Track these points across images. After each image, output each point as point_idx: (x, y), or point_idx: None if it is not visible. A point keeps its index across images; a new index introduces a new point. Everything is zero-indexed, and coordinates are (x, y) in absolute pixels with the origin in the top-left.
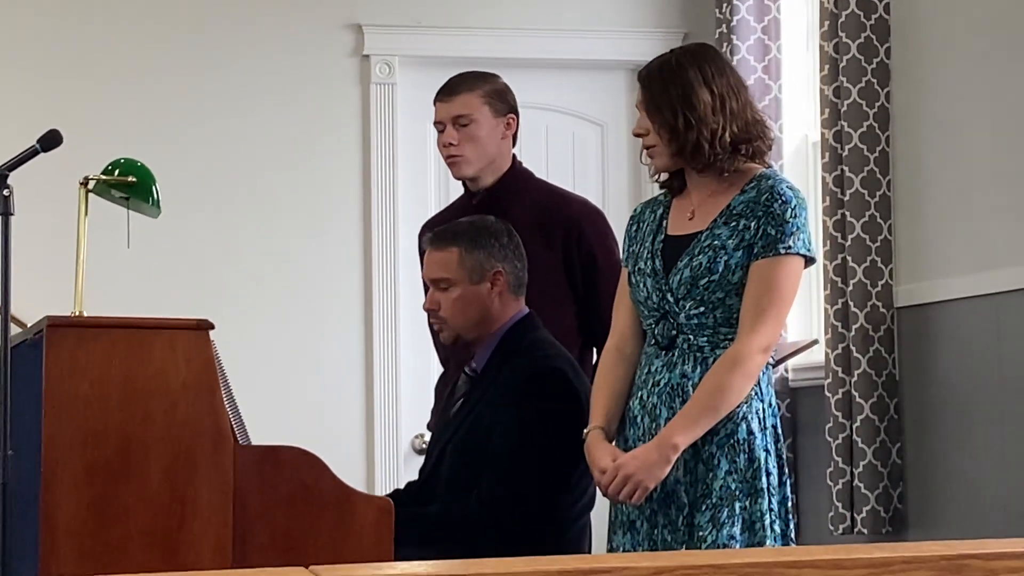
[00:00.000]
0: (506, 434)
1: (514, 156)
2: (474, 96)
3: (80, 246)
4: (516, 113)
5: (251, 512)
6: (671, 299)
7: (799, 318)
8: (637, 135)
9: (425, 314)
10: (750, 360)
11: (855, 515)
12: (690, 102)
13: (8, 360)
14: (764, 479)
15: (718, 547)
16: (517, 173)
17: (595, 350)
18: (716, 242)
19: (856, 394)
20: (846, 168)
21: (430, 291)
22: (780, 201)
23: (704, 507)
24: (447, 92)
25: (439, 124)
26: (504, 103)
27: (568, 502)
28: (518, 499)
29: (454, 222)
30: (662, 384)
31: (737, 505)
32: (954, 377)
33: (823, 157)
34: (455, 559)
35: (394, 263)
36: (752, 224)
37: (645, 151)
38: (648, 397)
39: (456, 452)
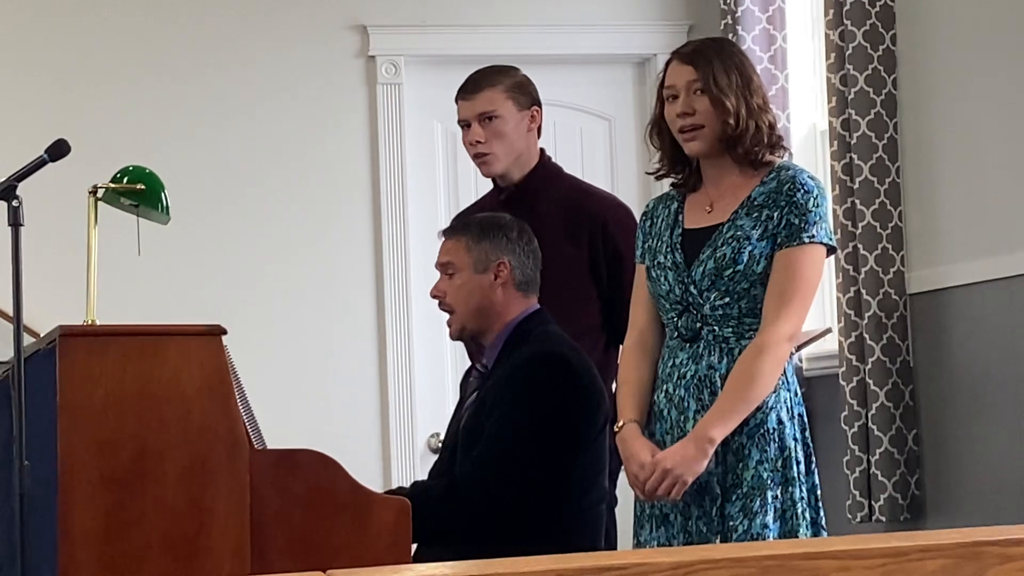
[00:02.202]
0: (497, 418)
1: (543, 151)
2: (497, 91)
3: (91, 255)
4: (539, 105)
5: (268, 516)
6: (694, 291)
7: (812, 307)
8: (684, 114)
9: (438, 314)
10: (776, 349)
11: (873, 503)
12: (750, 88)
13: (22, 370)
14: (795, 468)
15: (751, 537)
16: (545, 168)
17: (620, 348)
18: (739, 233)
19: (871, 382)
20: (855, 156)
21: (438, 278)
22: (803, 191)
23: (735, 497)
24: (470, 89)
25: (463, 122)
26: (527, 96)
27: (576, 488)
28: (492, 481)
29: (470, 216)
30: (688, 376)
31: (769, 494)
32: (969, 362)
33: (831, 146)
34: (465, 551)
35: (405, 263)
36: (775, 214)
37: (677, 134)
38: (674, 390)
39: (465, 447)
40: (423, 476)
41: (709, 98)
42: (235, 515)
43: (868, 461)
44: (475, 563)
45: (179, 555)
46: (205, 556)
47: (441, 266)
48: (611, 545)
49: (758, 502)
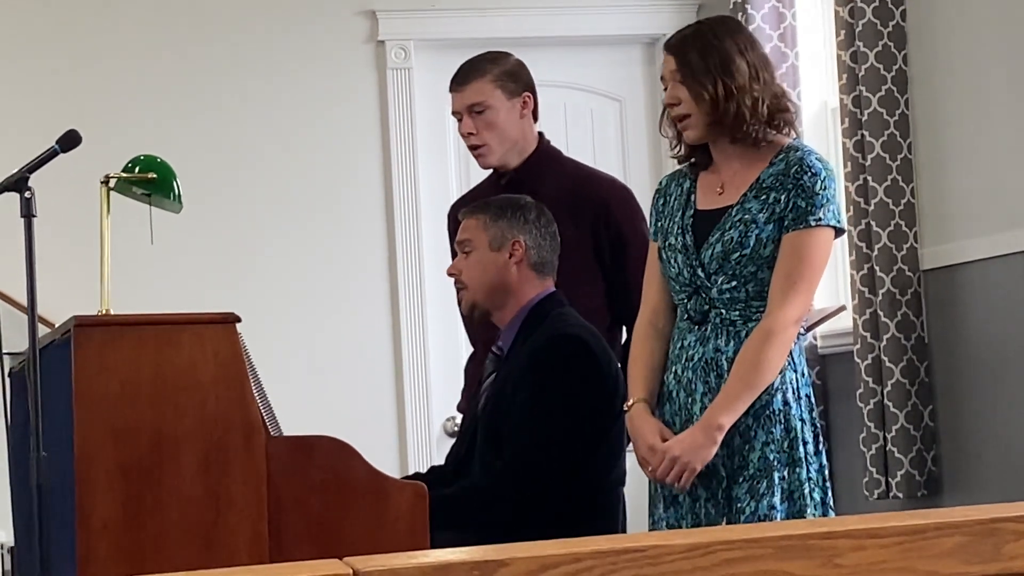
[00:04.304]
0: (524, 403)
1: (541, 135)
2: (485, 82)
3: (104, 244)
4: (531, 90)
5: (285, 503)
6: (702, 274)
7: (825, 285)
8: (669, 105)
9: (452, 298)
10: (783, 333)
11: (890, 480)
12: (730, 71)
13: (37, 361)
14: (801, 448)
15: (758, 518)
16: (545, 152)
17: (624, 329)
18: (747, 216)
19: (886, 359)
20: (866, 133)
21: (456, 256)
22: (810, 173)
23: (741, 479)
24: (458, 81)
25: (456, 114)
26: (516, 82)
27: (598, 470)
28: (534, 467)
29: (468, 201)
30: (696, 359)
31: (776, 475)
32: (983, 337)
33: (843, 123)
34: (484, 535)
35: (418, 247)
36: (782, 197)
37: (675, 122)
38: (683, 372)
39: (484, 429)
40: (439, 460)
41: (686, 86)
42: (252, 502)
43: (884, 438)
44: (493, 548)
45: (197, 543)
46: (223, 544)
47: (459, 244)
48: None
49: (765, 484)
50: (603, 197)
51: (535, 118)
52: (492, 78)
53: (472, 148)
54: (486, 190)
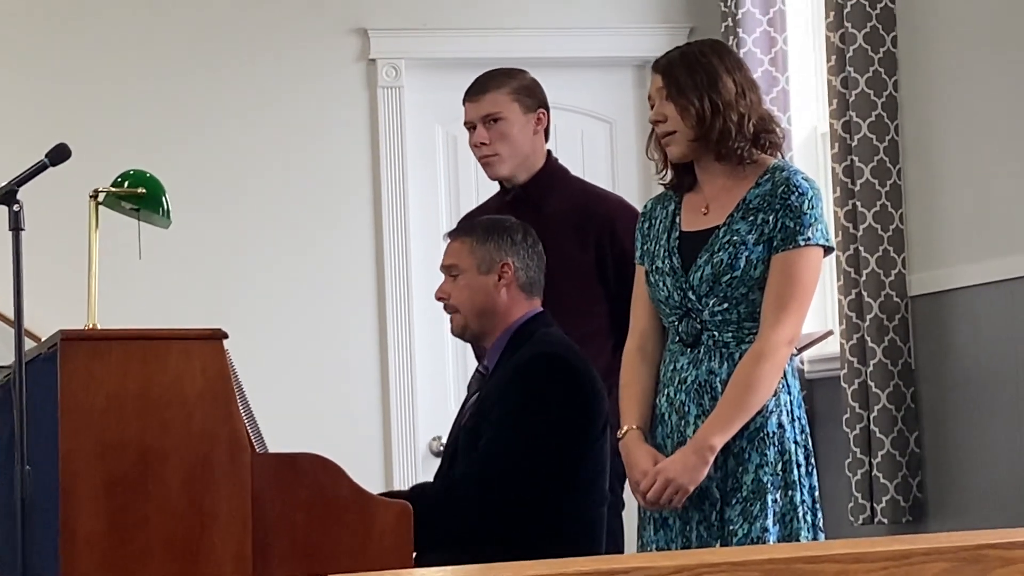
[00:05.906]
0: (500, 417)
1: (549, 152)
2: (502, 94)
3: (92, 259)
4: (546, 108)
5: (270, 520)
6: (693, 296)
7: (813, 309)
8: (655, 122)
9: (440, 316)
10: (776, 353)
11: (875, 505)
12: (716, 88)
13: (23, 375)
14: (795, 471)
15: (751, 541)
16: (552, 170)
17: None
18: (735, 238)
19: (872, 384)
20: (856, 158)
21: (443, 280)
22: (797, 193)
23: (734, 501)
24: (475, 91)
25: (469, 124)
26: (533, 98)
27: (575, 491)
28: (492, 481)
29: (477, 218)
30: (689, 381)
31: (769, 498)
32: (970, 364)
33: (832, 148)
34: (469, 554)
35: (406, 266)
36: (770, 218)
37: (659, 140)
38: (676, 395)
39: (464, 447)
40: (425, 478)
41: (673, 102)
42: (237, 519)
43: (870, 463)
44: (477, 568)
45: (181, 559)
46: (207, 559)
47: (445, 268)
48: (619, 549)
49: (758, 506)
50: (609, 216)
51: (546, 137)
52: (510, 91)
53: (483, 158)
54: (492, 207)
